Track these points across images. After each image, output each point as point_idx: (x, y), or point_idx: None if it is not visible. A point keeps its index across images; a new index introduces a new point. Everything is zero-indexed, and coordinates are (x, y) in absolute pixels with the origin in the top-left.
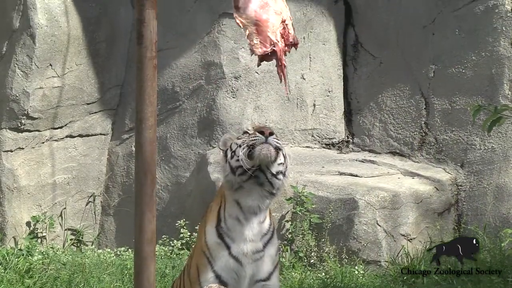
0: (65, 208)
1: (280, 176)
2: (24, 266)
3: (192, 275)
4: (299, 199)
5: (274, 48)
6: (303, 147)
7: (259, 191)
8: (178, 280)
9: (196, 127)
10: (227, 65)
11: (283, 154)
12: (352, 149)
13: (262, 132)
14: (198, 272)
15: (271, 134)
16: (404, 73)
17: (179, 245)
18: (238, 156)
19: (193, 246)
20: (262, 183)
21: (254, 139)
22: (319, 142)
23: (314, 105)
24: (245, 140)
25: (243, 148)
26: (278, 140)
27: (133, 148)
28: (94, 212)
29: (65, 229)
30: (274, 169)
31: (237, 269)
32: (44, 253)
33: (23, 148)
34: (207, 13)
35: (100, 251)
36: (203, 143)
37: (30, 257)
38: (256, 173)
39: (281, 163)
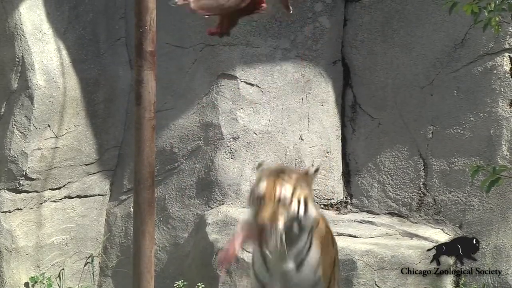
0: (63, 269)
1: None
2: None
3: None
4: None
5: None
6: None
7: None
8: None
9: (195, 188)
10: (226, 126)
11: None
12: (351, 209)
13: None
14: None
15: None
16: (403, 134)
17: None
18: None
19: None
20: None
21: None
22: (317, 202)
23: (313, 166)
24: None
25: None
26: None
27: (132, 209)
28: (92, 273)
29: None
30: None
31: None
32: None
33: (21, 209)
34: (205, 74)
35: None
36: (202, 204)
37: None
38: None
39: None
